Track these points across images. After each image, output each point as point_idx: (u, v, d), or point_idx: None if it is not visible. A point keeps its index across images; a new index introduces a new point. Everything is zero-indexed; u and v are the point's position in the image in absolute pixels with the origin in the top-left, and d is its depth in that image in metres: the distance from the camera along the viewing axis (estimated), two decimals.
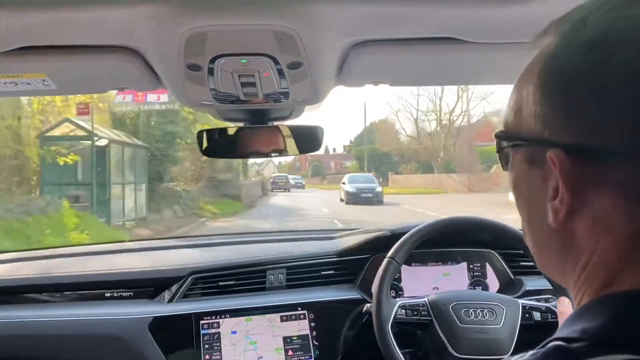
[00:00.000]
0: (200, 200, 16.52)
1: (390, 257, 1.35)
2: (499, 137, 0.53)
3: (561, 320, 1.17)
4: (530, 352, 0.44)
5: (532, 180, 0.49)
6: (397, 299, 1.34)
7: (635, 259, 0.43)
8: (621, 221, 0.43)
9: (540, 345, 0.44)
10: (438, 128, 36.11)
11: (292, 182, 33.54)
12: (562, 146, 0.45)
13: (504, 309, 1.31)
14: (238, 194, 19.02)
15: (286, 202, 22.01)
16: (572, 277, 0.49)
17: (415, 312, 1.30)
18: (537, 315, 1.32)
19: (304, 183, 34.95)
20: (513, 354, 1.25)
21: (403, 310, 1.30)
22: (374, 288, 1.32)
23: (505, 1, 0.76)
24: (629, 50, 0.42)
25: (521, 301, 1.34)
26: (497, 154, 0.55)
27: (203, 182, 17.77)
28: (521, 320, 1.30)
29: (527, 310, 1.32)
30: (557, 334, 0.44)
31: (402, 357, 1.24)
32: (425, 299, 1.32)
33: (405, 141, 38.61)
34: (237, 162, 21.57)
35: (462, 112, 34.37)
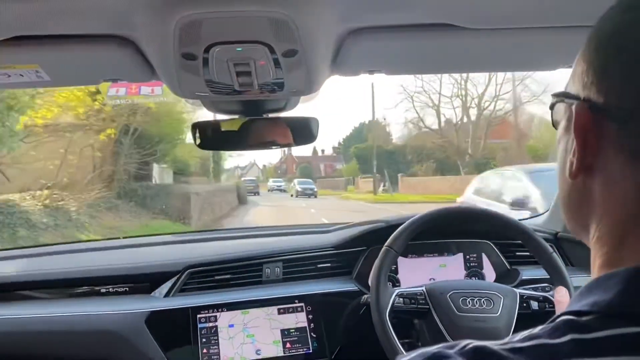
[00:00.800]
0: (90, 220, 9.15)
1: (388, 246, 1.34)
2: (553, 95, 0.55)
3: (558, 309, 1.17)
4: (540, 327, 0.44)
5: (568, 135, 0.51)
6: (395, 288, 1.34)
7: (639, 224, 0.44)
8: (628, 180, 0.44)
9: (550, 320, 0.44)
10: (464, 117, 29.74)
11: (274, 186, 33.10)
12: (587, 102, 0.47)
13: (501, 298, 1.31)
14: (185, 208, 12.73)
15: (273, 216, 17.54)
16: (589, 235, 0.50)
17: (413, 301, 1.30)
18: (534, 305, 1.32)
19: (315, 190, 31.34)
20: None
21: (401, 299, 1.30)
22: (372, 277, 1.32)
23: None
24: None
25: (518, 290, 1.34)
26: (550, 112, 0.57)
27: (101, 190, 10.42)
28: (518, 310, 1.30)
29: (525, 300, 1.32)
30: (567, 309, 0.45)
31: (400, 346, 1.24)
32: (423, 288, 1.32)
33: (417, 134, 32.43)
34: (208, 162, 20.89)
35: (495, 96, 28.56)
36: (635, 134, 0.43)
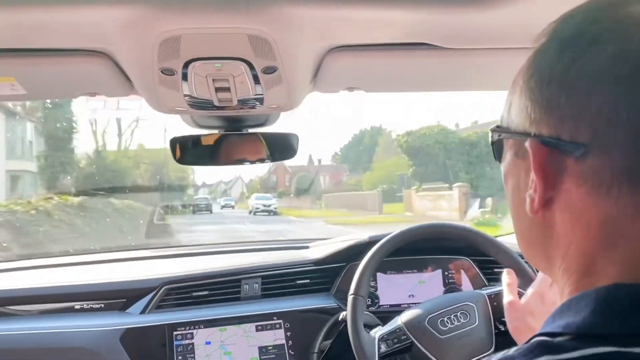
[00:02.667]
0: None
1: (353, 295, 1.33)
2: (493, 130, 0.56)
3: (506, 291, 1.16)
4: (515, 348, 0.45)
5: (518, 171, 0.52)
6: (374, 332, 1.30)
7: (608, 248, 0.45)
8: (591, 211, 0.45)
9: (526, 341, 0.45)
10: None
11: (259, 204, 26.07)
12: (539, 137, 0.47)
13: (474, 306, 1.31)
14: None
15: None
16: (555, 267, 0.50)
17: (395, 340, 1.27)
18: (504, 300, 1.33)
19: (275, 207, 26.48)
20: (496, 345, 1.25)
21: (384, 343, 1.27)
22: (350, 331, 1.29)
23: (478, 7, 0.77)
24: (599, 51, 0.44)
25: (485, 292, 1.35)
26: (491, 146, 0.57)
27: None
28: (492, 310, 1.30)
29: (494, 299, 1.32)
30: (541, 330, 0.45)
31: None
32: (400, 322, 1.29)
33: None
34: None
35: None
36: (594, 167, 0.44)
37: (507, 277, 1.19)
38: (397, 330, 1.29)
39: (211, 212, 26.53)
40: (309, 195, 34.88)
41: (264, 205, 26.17)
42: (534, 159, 0.47)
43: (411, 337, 1.28)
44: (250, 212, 26.22)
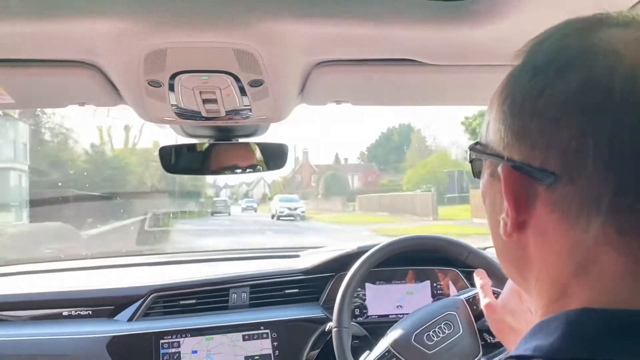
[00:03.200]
0: None
1: (336, 328, 1.32)
2: (471, 148, 0.56)
3: (482, 293, 1.16)
4: None
5: (494, 192, 0.52)
6: (362, 358, 1.31)
7: (579, 274, 0.45)
8: (562, 238, 0.45)
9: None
10: None
11: (283, 208, 22.61)
12: (510, 162, 0.47)
13: (455, 314, 1.30)
14: None
15: None
16: (530, 287, 0.51)
17: None
18: (482, 304, 1.33)
19: (302, 211, 22.79)
20: (484, 348, 1.25)
21: None
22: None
23: (462, 25, 0.78)
24: (567, 80, 0.44)
25: (462, 297, 1.34)
26: (470, 164, 0.58)
27: None
28: (473, 314, 1.30)
29: (472, 303, 1.32)
30: (513, 353, 0.46)
31: None
32: (387, 344, 1.28)
33: None
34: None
35: None
36: (564, 195, 0.44)
37: (479, 278, 1.19)
38: (386, 354, 1.27)
39: (229, 214, 25.51)
40: (339, 196, 31.02)
41: (289, 209, 22.66)
42: (505, 184, 0.48)
43: (401, 358, 1.27)
44: (273, 217, 23.05)
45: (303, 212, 23.13)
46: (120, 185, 15.82)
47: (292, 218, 22.02)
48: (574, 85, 0.43)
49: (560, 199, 0.44)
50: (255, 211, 29.82)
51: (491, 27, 0.78)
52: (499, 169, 0.49)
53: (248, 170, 1.43)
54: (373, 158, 39.21)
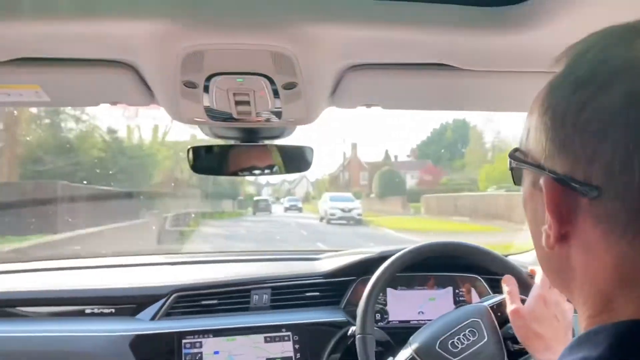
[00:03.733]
0: None
1: (360, 335, 1.31)
2: (512, 156, 0.55)
3: (509, 300, 1.17)
4: None
5: (535, 202, 0.52)
6: None
7: (624, 287, 0.45)
8: (607, 252, 0.45)
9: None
10: None
11: (335, 209, 19.03)
12: (553, 174, 0.47)
13: (479, 321, 1.29)
14: None
15: None
16: (574, 297, 0.51)
17: None
18: (508, 309, 1.32)
19: (358, 213, 19.59)
20: (508, 356, 1.24)
21: None
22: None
23: (497, 31, 0.78)
24: (611, 94, 0.43)
25: (486, 304, 1.33)
26: (510, 171, 0.57)
27: None
28: (498, 321, 1.29)
29: (496, 310, 1.31)
30: None
31: None
32: (411, 350, 1.27)
33: None
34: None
35: None
36: (608, 209, 0.44)
37: (506, 285, 1.19)
38: (410, 359, 1.28)
39: (270, 212, 25.02)
40: (396, 196, 26.76)
41: (343, 210, 19.08)
42: (547, 197, 0.47)
43: None
44: (322, 219, 20.04)
45: (360, 214, 19.59)
46: (140, 183, 15.12)
47: (344, 222, 18.67)
48: (617, 99, 0.43)
49: (605, 213, 0.44)
50: (300, 211, 27.52)
51: (526, 34, 0.78)
52: (541, 181, 0.48)
53: (274, 172, 1.43)
54: (424, 156, 36.07)
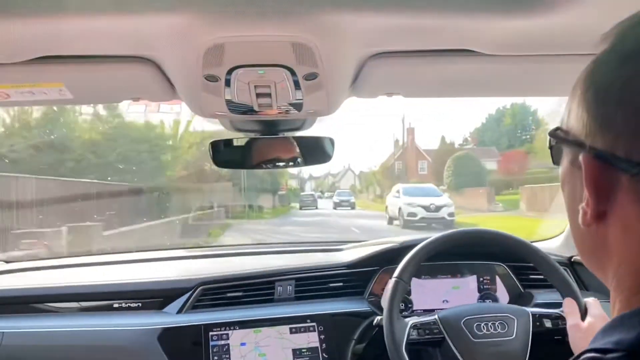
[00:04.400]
0: None
1: (397, 278, 1.33)
2: (551, 134, 0.55)
3: (568, 317, 1.17)
4: None
5: (574, 180, 0.51)
6: (408, 319, 1.31)
7: None
8: None
9: (574, 357, 0.44)
10: None
11: (412, 206, 14.40)
12: (593, 151, 0.46)
13: (515, 320, 1.30)
14: None
15: None
16: (608, 279, 0.50)
17: (427, 331, 1.28)
18: (547, 323, 1.31)
19: (450, 212, 14.53)
20: None
21: (415, 331, 1.28)
22: (385, 311, 1.30)
23: (524, 15, 0.76)
24: None
25: (531, 310, 1.33)
26: (549, 149, 0.57)
27: None
28: (533, 329, 1.29)
29: (538, 319, 1.31)
30: (591, 345, 0.44)
31: None
32: (436, 316, 1.30)
33: None
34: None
35: None
36: None
37: (567, 307, 1.19)
38: (432, 323, 1.30)
39: (317, 207, 23.83)
40: (474, 188, 20.68)
41: (427, 209, 14.13)
42: (586, 173, 0.47)
43: (444, 332, 1.28)
44: (392, 221, 15.39)
45: (452, 213, 14.55)
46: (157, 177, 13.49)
47: (426, 224, 14.04)
48: None
49: None
50: (353, 207, 23.72)
51: (552, 17, 0.76)
52: (580, 157, 0.48)
53: (294, 164, 1.44)
54: (481, 143, 32.81)
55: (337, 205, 24.03)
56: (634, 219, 0.45)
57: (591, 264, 0.54)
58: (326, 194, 32.34)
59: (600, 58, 0.49)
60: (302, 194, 27.96)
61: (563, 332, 1.19)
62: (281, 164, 1.40)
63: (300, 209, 23.22)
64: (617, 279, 0.48)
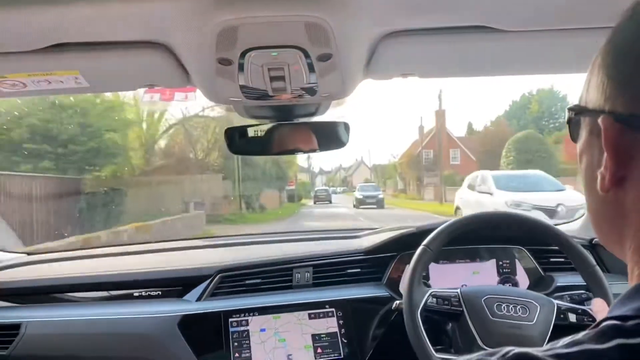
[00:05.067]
0: None
1: (425, 245, 1.33)
2: (570, 109, 0.54)
3: (598, 317, 1.15)
4: (583, 333, 0.44)
5: (592, 149, 0.50)
6: (429, 288, 1.32)
7: None
8: None
9: (593, 326, 0.43)
10: None
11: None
12: (612, 114, 0.46)
13: (537, 307, 1.28)
14: None
15: None
16: (625, 247, 0.49)
17: (446, 302, 1.29)
18: (572, 317, 1.29)
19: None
20: None
21: (434, 299, 1.29)
22: (407, 274, 1.31)
23: None
24: None
25: (557, 302, 1.31)
26: (568, 125, 0.56)
27: None
28: (555, 321, 1.27)
29: (562, 311, 1.29)
30: (610, 314, 0.44)
31: (431, 347, 1.22)
32: (458, 290, 1.31)
33: None
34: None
35: None
36: None
37: (595, 306, 1.18)
38: (453, 296, 1.30)
39: (330, 202, 24.28)
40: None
41: (555, 213, 9.00)
42: (606, 136, 0.46)
43: (463, 306, 1.28)
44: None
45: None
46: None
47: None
48: None
49: None
50: (382, 207, 20.13)
51: None
52: (600, 120, 0.47)
53: (309, 150, 1.44)
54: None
55: (360, 203, 20.42)
56: None
57: (608, 235, 0.53)
58: (339, 189, 32.15)
59: (620, 26, 0.48)
60: (316, 188, 28.64)
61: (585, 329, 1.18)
62: (295, 150, 1.40)
63: (315, 203, 23.48)
64: (635, 243, 0.48)
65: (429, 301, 1.28)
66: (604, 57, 0.48)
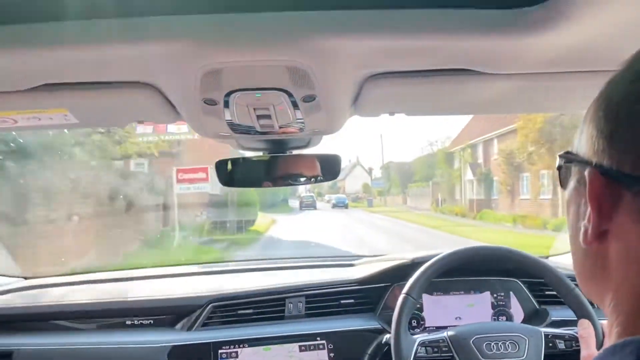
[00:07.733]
0: None
1: (405, 294, 1.32)
2: (561, 156, 0.55)
3: (583, 344, 1.14)
4: None
5: (579, 199, 0.51)
6: (417, 336, 1.30)
7: None
8: None
9: None
10: None
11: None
12: (599, 167, 0.46)
13: (526, 340, 1.27)
14: None
15: None
16: (605, 302, 0.49)
17: (435, 349, 1.27)
18: (560, 344, 1.29)
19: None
20: None
21: (423, 348, 1.27)
22: (392, 326, 1.30)
23: (518, 33, 0.75)
24: None
25: (543, 330, 1.31)
26: (557, 171, 0.56)
27: None
28: (545, 350, 1.26)
29: (550, 339, 1.28)
30: None
31: None
32: (445, 334, 1.29)
33: None
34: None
35: None
36: None
37: (582, 329, 1.16)
38: (440, 341, 1.29)
39: (315, 208, 26.78)
40: None
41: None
42: (590, 188, 0.46)
43: (453, 351, 1.27)
44: None
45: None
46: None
47: None
48: None
49: None
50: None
51: (547, 35, 0.75)
52: (586, 173, 0.47)
53: (302, 181, 1.44)
54: None
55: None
56: (633, 238, 0.44)
57: (589, 287, 0.52)
58: (326, 197, 33.53)
59: (615, 78, 0.48)
60: (302, 195, 30.24)
61: (576, 355, 1.16)
62: (288, 181, 1.40)
63: (301, 209, 25.59)
64: (615, 301, 0.47)
65: (418, 351, 1.26)
66: (596, 109, 0.49)
